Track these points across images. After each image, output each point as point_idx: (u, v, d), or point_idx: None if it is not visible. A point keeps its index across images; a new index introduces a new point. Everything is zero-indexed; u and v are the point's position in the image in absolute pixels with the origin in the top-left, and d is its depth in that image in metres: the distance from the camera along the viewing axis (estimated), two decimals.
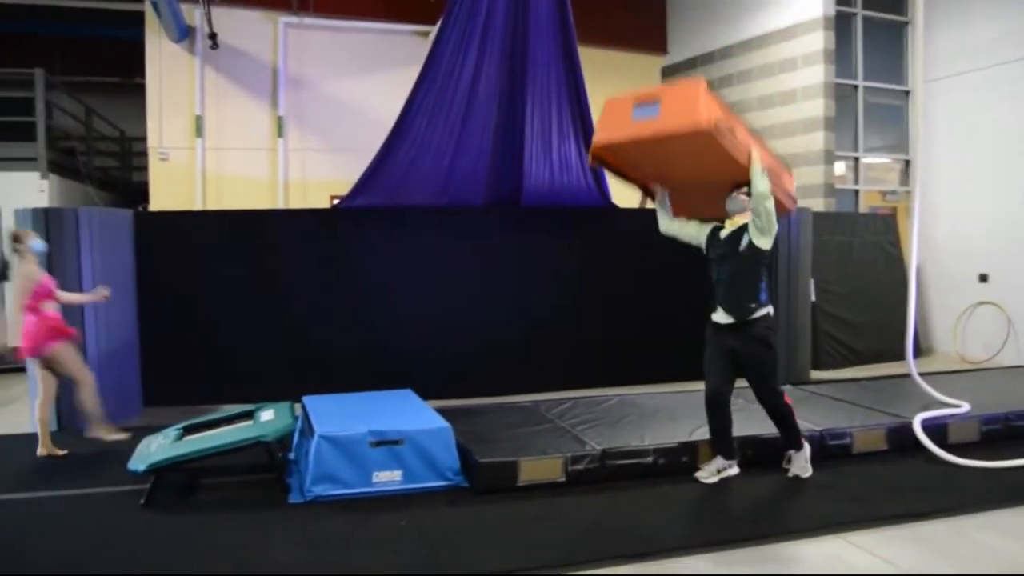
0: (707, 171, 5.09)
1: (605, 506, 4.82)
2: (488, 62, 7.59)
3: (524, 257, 8.36)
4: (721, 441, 5.28)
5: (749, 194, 4.99)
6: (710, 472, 5.26)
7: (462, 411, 6.23)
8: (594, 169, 8.10)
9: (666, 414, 6.16)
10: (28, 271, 6.02)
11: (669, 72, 13.34)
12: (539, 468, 5.13)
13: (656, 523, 4.56)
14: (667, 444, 5.41)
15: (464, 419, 5.90)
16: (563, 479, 5.15)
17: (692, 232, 5.43)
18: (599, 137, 5.30)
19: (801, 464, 5.32)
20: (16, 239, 6.13)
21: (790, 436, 5.31)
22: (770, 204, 4.93)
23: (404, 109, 7.55)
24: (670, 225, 5.53)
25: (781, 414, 5.24)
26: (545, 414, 6.23)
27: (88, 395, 6.16)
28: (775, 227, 5.03)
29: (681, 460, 5.39)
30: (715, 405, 5.20)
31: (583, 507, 4.79)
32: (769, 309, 5.16)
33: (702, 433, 5.53)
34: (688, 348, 8.64)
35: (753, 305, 5.09)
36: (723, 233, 5.24)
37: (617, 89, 11.14)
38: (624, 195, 9.40)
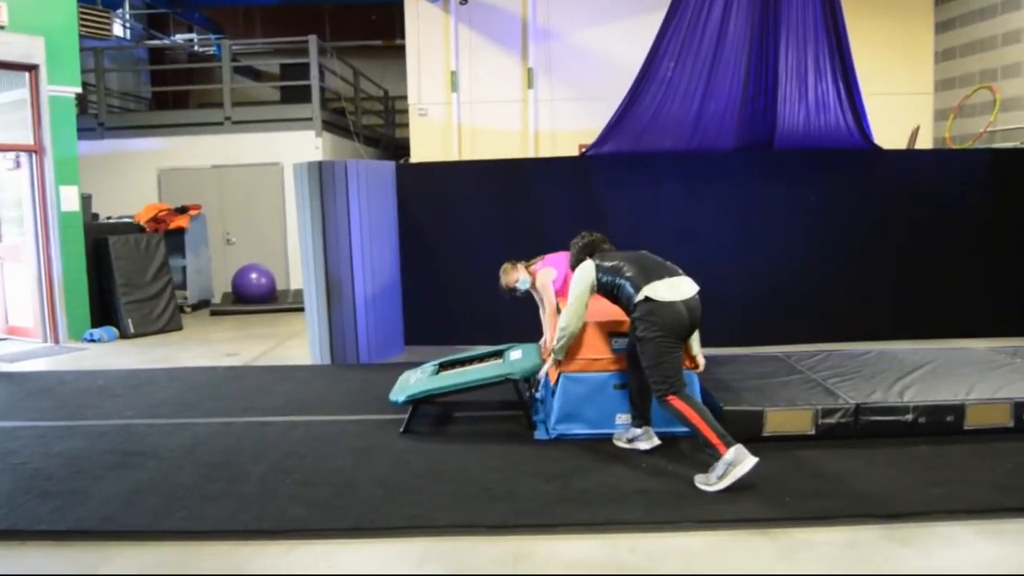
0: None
1: (856, 463, 4.57)
2: (738, 1, 7.31)
3: (777, 203, 8.03)
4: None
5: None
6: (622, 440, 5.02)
7: (709, 360, 6.04)
8: (855, 107, 7.60)
9: (929, 371, 5.71)
10: None
11: None
12: (787, 419, 4.97)
13: (911, 485, 4.25)
14: (929, 402, 5.03)
15: (711, 368, 5.79)
16: (812, 432, 4.96)
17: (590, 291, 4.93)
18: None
19: (713, 478, 4.22)
20: None
21: (697, 436, 4.38)
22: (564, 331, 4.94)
23: (650, 53, 7.46)
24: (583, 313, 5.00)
25: (673, 412, 4.44)
26: (796, 365, 6.00)
27: None
28: (576, 303, 4.88)
29: (945, 420, 4.99)
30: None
31: (831, 463, 4.58)
32: (639, 297, 4.52)
33: (970, 392, 5.12)
34: (957, 299, 8.09)
35: (628, 306, 4.70)
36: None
37: (883, 23, 10.35)
38: (888, 136, 8.80)
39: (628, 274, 4.64)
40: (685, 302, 4.54)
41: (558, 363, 5.12)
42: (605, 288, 4.81)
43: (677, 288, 4.57)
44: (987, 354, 6.20)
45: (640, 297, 4.52)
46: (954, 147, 10.65)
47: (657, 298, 4.49)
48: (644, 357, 4.56)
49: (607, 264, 4.79)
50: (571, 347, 5.06)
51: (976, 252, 8.14)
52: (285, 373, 7.36)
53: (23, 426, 5.73)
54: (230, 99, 12.65)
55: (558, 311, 5.56)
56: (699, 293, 4.66)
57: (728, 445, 4.24)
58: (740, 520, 3.89)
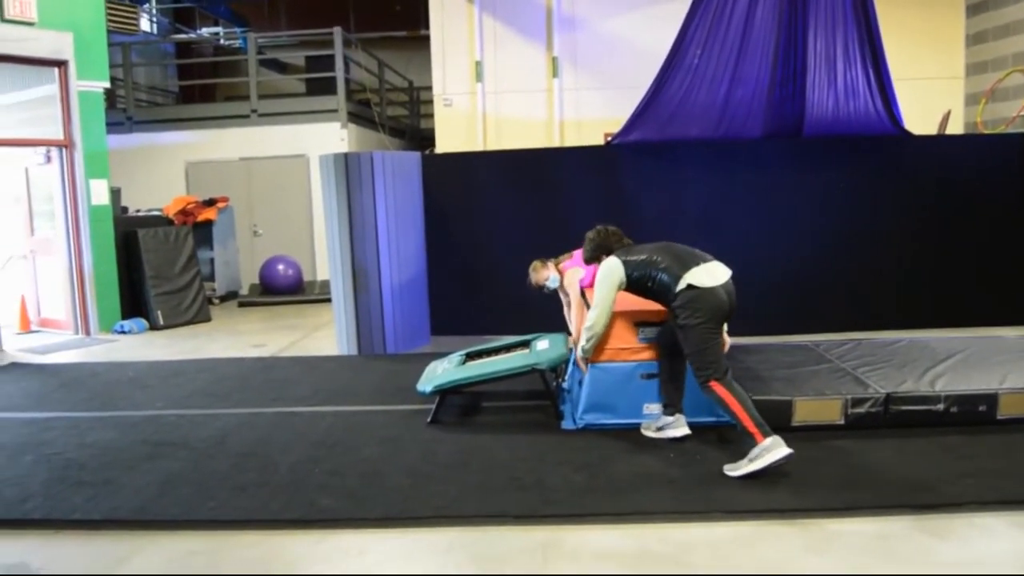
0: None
1: (886, 454, 4.53)
2: None
3: (805, 190, 7.96)
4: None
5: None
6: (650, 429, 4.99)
7: (738, 349, 6.05)
8: (884, 93, 7.49)
9: (961, 359, 5.62)
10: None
11: None
12: (816, 409, 4.93)
13: (943, 475, 4.20)
14: (961, 391, 4.96)
15: (740, 357, 5.78)
16: (841, 422, 4.92)
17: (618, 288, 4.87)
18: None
19: (744, 462, 4.25)
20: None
21: (735, 424, 4.38)
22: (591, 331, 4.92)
23: (676, 40, 7.38)
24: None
25: (715, 399, 4.43)
26: (825, 354, 5.94)
27: None
28: (603, 302, 4.83)
29: (978, 409, 4.92)
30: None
31: (861, 453, 4.55)
32: (680, 286, 4.48)
33: (1003, 381, 5.04)
34: (990, 287, 7.96)
35: (666, 296, 4.62)
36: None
37: (913, 8, 10.18)
38: (918, 122, 8.67)
39: (663, 265, 4.60)
40: (723, 286, 4.53)
41: (586, 361, 5.11)
42: (636, 283, 4.75)
43: (714, 274, 4.55)
44: (1020, 343, 6.10)
45: (682, 285, 4.49)
46: (986, 132, 10.48)
47: (700, 285, 4.47)
48: (687, 344, 4.53)
49: (636, 259, 4.74)
50: None
51: (1009, 238, 8.01)
52: (313, 364, 7.42)
53: (56, 417, 5.82)
54: (256, 92, 12.73)
55: (582, 296, 5.55)
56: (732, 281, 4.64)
57: (766, 435, 4.22)
58: (769, 510, 3.86)
